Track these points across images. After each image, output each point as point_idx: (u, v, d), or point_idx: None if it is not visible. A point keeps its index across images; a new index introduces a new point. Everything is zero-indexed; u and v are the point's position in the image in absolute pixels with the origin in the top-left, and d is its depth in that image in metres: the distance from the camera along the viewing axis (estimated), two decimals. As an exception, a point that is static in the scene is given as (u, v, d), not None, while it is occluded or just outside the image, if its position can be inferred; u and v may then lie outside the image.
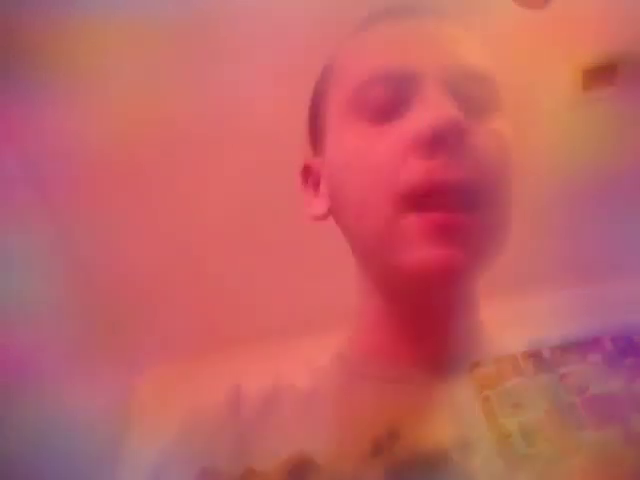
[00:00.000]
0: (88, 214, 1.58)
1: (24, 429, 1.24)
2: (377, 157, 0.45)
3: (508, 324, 1.94)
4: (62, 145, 1.46)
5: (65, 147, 1.46)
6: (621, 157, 1.66)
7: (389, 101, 0.46)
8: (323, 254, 1.79)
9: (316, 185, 0.55)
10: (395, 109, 0.45)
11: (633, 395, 1.76)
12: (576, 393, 1.96)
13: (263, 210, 1.66)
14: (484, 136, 0.46)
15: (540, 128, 1.61)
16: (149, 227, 1.65)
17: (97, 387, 1.67)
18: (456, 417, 0.47)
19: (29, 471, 1.24)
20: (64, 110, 1.42)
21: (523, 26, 1.41)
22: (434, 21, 0.53)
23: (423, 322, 0.51)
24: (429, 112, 0.43)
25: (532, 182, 1.78)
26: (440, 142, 0.42)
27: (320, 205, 0.53)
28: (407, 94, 0.45)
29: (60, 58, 1.34)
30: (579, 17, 1.41)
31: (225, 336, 1.88)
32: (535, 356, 2.06)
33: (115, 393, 1.83)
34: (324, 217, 0.53)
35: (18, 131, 1.42)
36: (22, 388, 1.26)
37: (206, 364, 1.88)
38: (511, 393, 2.02)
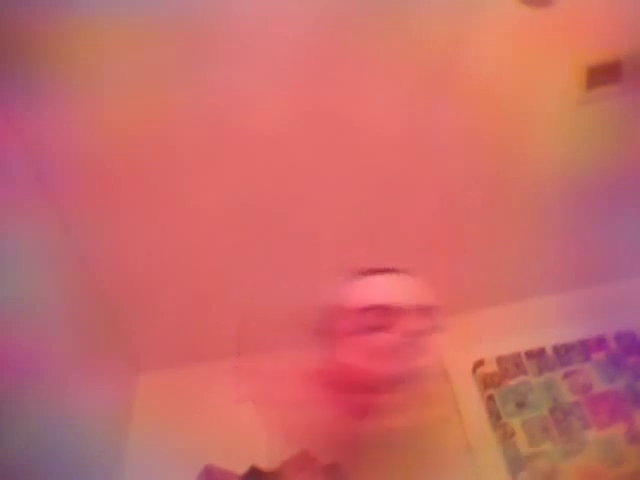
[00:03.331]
0: (89, 214, 1.58)
1: (23, 429, 1.24)
2: (368, 357, 0.69)
3: (513, 324, 1.94)
4: (63, 144, 1.46)
5: (66, 146, 1.46)
6: (624, 157, 1.66)
7: (377, 322, 0.72)
8: (323, 261, 1.79)
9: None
10: (380, 327, 0.72)
11: (636, 394, 1.75)
12: (580, 392, 1.95)
13: (264, 212, 1.66)
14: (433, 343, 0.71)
15: (543, 127, 1.60)
16: (150, 227, 1.65)
17: (97, 387, 1.66)
18: None
19: (29, 471, 1.24)
20: (66, 109, 1.41)
21: (527, 25, 1.41)
22: (401, 275, 0.81)
23: None
24: (404, 329, 0.70)
25: (535, 183, 1.78)
26: (409, 346, 0.68)
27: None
28: (389, 319, 0.72)
29: (61, 57, 1.34)
30: (583, 15, 1.41)
31: (225, 338, 1.88)
32: (539, 355, 2.06)
33: (115, 393, 1.83)
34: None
35: (20, 130, 1.42)
36: (21, 388, 1.26)
37: (206, 366, 1.87)
38: (515, 392, 2.02)
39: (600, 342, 1.80)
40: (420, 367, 0.68)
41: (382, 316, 0.74)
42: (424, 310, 0.73)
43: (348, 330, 0.75)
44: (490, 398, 1.71)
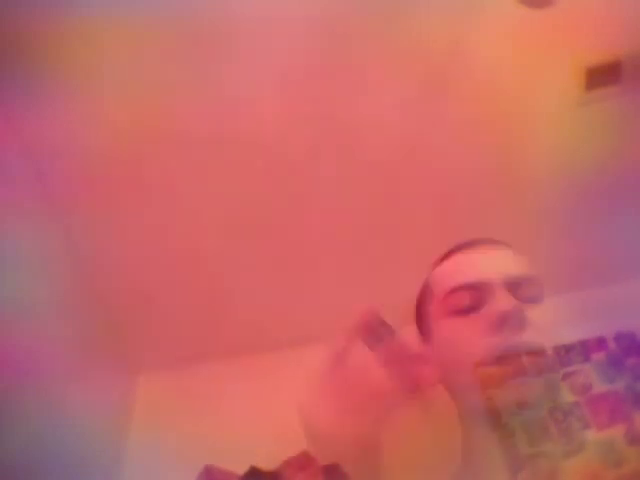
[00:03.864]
0: (89, 214, 1.58)
1: (23, 429, 1.24)
2: (465, 337, 0.67)
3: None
4: (64, 144, 1.46)
5: (67, 146, 1.46)
6: (624, 157, 1.66)
7: (470, 302, 0.69)
8: (324, 260, 1.79)
9: (426, 362, 0.75)
10: (474, 307, 0.69)
11: (636, 394, 1.75)
12: (579, 392, 1.95)
13: (264, 213, 1.66)
14: (538, 315, 0.69)
15: (544, 128, 1.60)
16: (150, 228, 1.65)
17: (97, 388, 1.66)
18: None
19: (29, 471, 1.24)
20: (66, 109, 1.42)
21: (526, 25, 1.41)
22: (491, 247, 0.78)
23: None
24: (499, 305, 0.67)
25: (535, 183, 1.78)
26: (507, 322, 0.66)
27: (432, 376, 0.73)
28: (481, 296, 0.69)
29: (61, 58, 1.34)
30: (582, 16, 1.41)
31: (225, 339, 1.88)
32: (539, 355, 2.05)
33: (115, 394, 1.83)
34: (434, 385, 0.73)
35: (20, 130, 1.42)
36: (21, 388, 1.26)
37: (206, 366, 1.87)
38: (515, 392, 2.01)
39: (600, 343, 1.79)
40: (518, 344, 0.67)
41: (472, 295, 0.71)
42: (517, 283, 0.71)
43: (440, 314, 0.73)
44: (489, 398, 1.71)
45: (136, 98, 1.41)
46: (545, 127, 1.59)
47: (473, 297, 0.70)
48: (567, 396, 1.74)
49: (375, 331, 0.61)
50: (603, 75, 1.51)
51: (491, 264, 0.75)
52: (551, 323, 0.70)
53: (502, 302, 0.68)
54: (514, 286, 0.72)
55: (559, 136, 1.61)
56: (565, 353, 1.94)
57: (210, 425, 1.74)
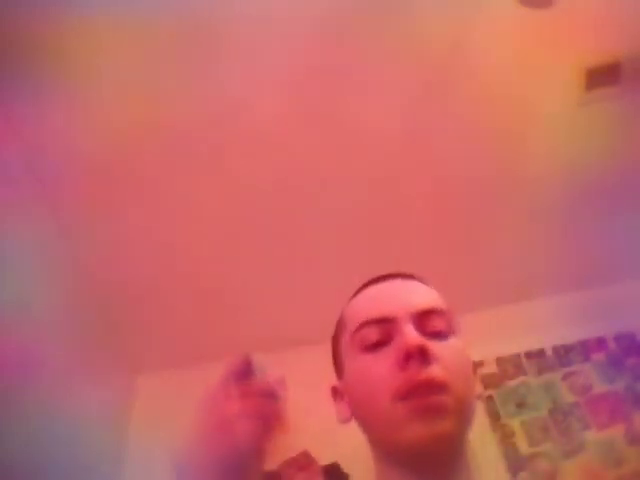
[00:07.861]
0: (88, 215, 1.58)
1: (23, 429, 1.24)
2: (374, 374, 0.68)
3: (514, 325, 1.93)
4: (63, 145, 1.46)
5: (66, 147, 1.46)
6: (624, 157, 1.66)
7: (378, 337, 0.70)
8: (323, 261, 1.79)
9: (342, 399, 0.77)
10: (382, 342, 0.69)
11: (636, 394, 1.75)
12: (579, 393, 1.95)
13: (263, 214, 1.66)
14: (444, 350, 0.68)
15: (544, 128, 1.60)
16: (149, 229, 1.65)
17: (97, 388, 1.66)
18: None
19: (29, 471, 1.24)
20: (66, 110, 1.41)
21: (526, 25, 1.41)
22: (401, 280, 0.78)
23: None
24: (403, 342, 0.67)
25: (535, 184, 1.77)
26: (412, 358, 0.66)
27: (345, 412, 0.74)
28: (389, 332, 0.70)
29: (61, 57, 1.34)
30: (582, 16, 1.41)
31: (224, 339, 1.88)
32: (538, 356, 2.05)
33: (114, 394, 1.83)
34: (349, 420, 0.74)
35: (20, 130, 1.42)
36: (22, 389, 1.26)
37: (205, 367, 1.87)
38: (514, 392, 2.01)
39: (600, 343, 1.80)
40: (423, 380, 0.65)
41: (380, 331, 0.70)
42: (424, 317, 0.70)
43: (351, 348, 0.73)
44: (489, 399, 1.71)
45: (135, 98, 1.41)
46: (545, 127, 1.60)
47: (381, 332, 0.70)
48: (567, 396, 1.74)
49: (244, 378, 0.62)
50: (603, 76, 1.51)
51: (398, 298, 0.74)
52: (459, 353, 0.69)
53: (406, 338, 0.66)
54: (421, 320, 0.70)
55: (559, 136, 1.61)
56: (565, 353, 1.95)
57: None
